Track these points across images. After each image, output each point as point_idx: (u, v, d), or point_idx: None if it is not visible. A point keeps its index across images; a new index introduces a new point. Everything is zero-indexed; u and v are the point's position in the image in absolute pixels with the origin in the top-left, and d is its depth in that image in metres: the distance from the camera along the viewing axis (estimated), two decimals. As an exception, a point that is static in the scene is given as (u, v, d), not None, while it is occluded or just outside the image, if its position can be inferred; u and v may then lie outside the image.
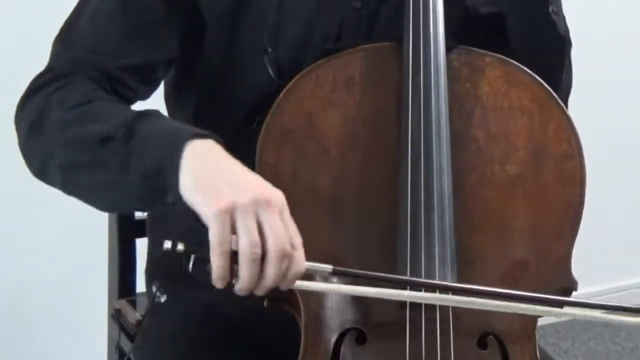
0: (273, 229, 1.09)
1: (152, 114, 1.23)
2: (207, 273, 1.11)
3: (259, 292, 1.12)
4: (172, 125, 1.23)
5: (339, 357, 1.26)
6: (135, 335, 1.66)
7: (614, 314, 1.27)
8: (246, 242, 1.09)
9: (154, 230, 1.59)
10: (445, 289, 1.24)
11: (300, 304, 1.26)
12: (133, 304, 1.79)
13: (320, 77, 1.30)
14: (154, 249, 1.58)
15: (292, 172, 1.27)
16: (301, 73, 1.30)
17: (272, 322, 1.33)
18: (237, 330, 1.43)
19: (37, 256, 2.44)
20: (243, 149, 1.20)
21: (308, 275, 1.17)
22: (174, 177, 1.13)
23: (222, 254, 1.09)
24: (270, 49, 1.37)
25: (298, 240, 1.12)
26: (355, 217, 1.28)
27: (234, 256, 1.10)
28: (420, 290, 1.23)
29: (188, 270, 1.12)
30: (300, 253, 1.12)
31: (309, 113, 1.29)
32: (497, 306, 1.23)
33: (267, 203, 1.10)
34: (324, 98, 1.30)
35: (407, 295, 1.22)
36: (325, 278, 1.21)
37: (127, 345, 1.72)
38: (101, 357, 1.86)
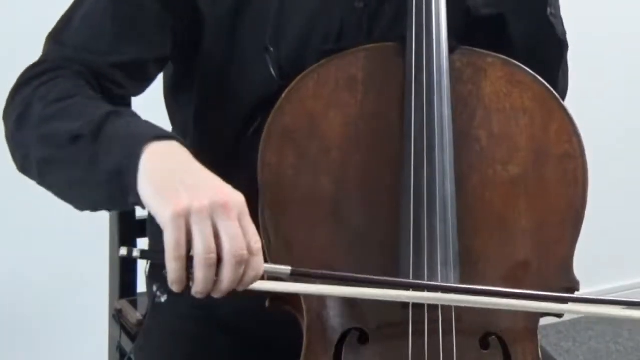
0: (229, 234, 1.08)
1: (123, 112, 1.22)
2: (164, 277, 1.10)
3: (216, 295, 1.11)
4: (138, 125, 1.21)
5: (341, 357, 1.26)
6: (136, 335, 1.66)
7: (614, 309, 1.27)
8: (201, 247, 1.07)
9: (155, 231, 1.59)
10: (443, 290, 1.23)
11: (302, 304, 1.26)
12: (134, 304, 1.79)
13: (322, 78, 1.30)
14: (156, 248, 1.58)
15: (293, 173, 1.27)
16: (303, 73, 1.30)
17: (274, 323, 1.33)
18: (238, 331, 1.43)
19: (38, 256, 2.44)
20: (243, 153, 1.19)
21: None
22: (132, 178, 1.13)
23: (177, 258, 1.08)
24: (271, 49, 1.37)
25: (257, 244, 1.11)
26: (357, 218, 1.28)
27: (190, 260, 1.08)
28: (423, 291, 1.23)
29: (145, 274, 1.12)
30: (258, 258, 1.11)
31: (310, 113, 1.29)
32: (499, 304, 1.23)
33: (225, 207, 1.08)
34: (326, 98, 1.30)
35: (412, 296, 1.22)
36: (293, 279, 1.19)
37: (128, 345, 1.72)
38: (102, 357, 1.86)
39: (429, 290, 1.23)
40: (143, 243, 1.70)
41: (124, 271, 1.80)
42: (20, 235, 2.41)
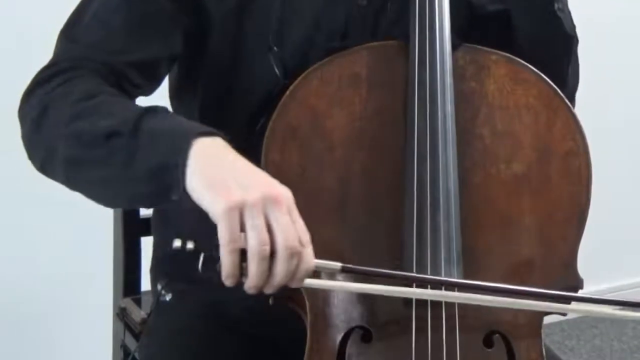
0: (282, 226, 1.09)
1: (159, 110, 1.22)
2: (217, 271, 1.10)
3: (269, 290, 1.12)
4: (179, 122, 1.22)
5: (344, 355, 1.26)
6: (140, 334, 1.66)
7: (619, 309, 1.27)
8: (255, 240, 1.08)
9: (159, 229, 1.59)
10: (453, 286, 1.24)
11: (306, 302, 1.26)
12: (138, 302, 1.79)
13: (325, 76, 1.30)
14: (159, 248, 1.58)
15: (298, 171, 1.27)
16: (307, 71, 1.30)
17: (278, 321, 1.33)
18: (243, 329, 1.43)
19: (42, 255, 2.44)
20: (248, 152, 1.19)
21: (315, 273, 1.17)
22: (180, 174, 1.13)
23: (232, 252, 1.09)
24: (275, 48, 1.37)
25: (306, 237, 1.12)
26: (361, 215, 1.28)
27: (243, 254, 1.09)
28: (427, 287, 1.23)
29: (198, 269, 1.12)
30: (309, 251, 1.12)
31: (314, 111, 1.29)
32: (502, 302, 1.23)
33: (276, 200, 1.10)
34: (329, 96, 1.30)
35: (417, 292, 1.22)
36: (332, 275, 1.21)
37: (132, 344, 1.72)
38: (106, 355, 1.86)
39: (446, 288, 1.23)
40: (147, 242, 1.71)
41: (128, 270, 1.80)
42: (23, 233, 2.42)
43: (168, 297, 1.48)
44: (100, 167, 1.20)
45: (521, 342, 1.30)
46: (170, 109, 1.51)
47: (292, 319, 1.30)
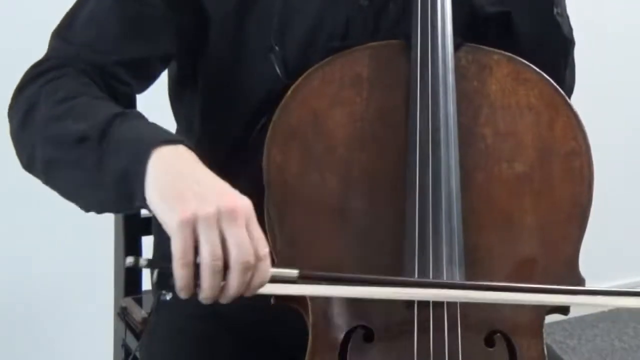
0: (236, 240, 1.08)
1: (130, 115, 1.21)
2: (171, 285, 1.09)
3: (223, 300, 1.11)
4: (146, 128, 1.20)
5: (346, 355, 1.26)
6: (141, 333, 1.66)
7: (620, 299, 1.27)
8: (207, 254, 1.07)
9: (160, 229, 1.58)
10: (446, 287, 1.23)
11: (308, 302, 1.26)
12: (139, 301, 1.79)
13: (327, 76, 1.30)
14: (160, 247, 1.58)
15: (299, 171, 1.27)
16: (308, 71, 1.30)
17: (279, 321, 1.33)
18: (243, 328, 1.43)
19: (43, 254, 2.44)
20: (249, 152, 1.19)
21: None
22: (140, 182, 1.12)
23: (184, 265, 1.07)
24: (276, 47, 1.37)
25: (264, 250, 1.10)
26: (362, 215, 1.28)
27: (197, 267, 1.08)
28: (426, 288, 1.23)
29: (154, 284, 1.12)
30: (265, 263, 1.10)
31: (315, 111, 1.29)
32: (504, 299, 1.22)
33: (232, 213, 1.08)
34: (331, 96, 1.30)
35: (417, 293, 1.22)
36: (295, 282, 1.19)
37: (133, 343, 1.72)
38: (107, 354, 1.86)
39: (431, 288, 1.23)
40: (148, 241, 1.71)
41: (129, 269, 1.79)
42: (25, 233, 2.42)
43: (169, 297, 1.47)
44: (72, 170, 1.21)
45: (523, 341, 1.30)
46: (170, 109, 1.51)
47: (293, 319, 1.29)
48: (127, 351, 1.73)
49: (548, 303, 1.28)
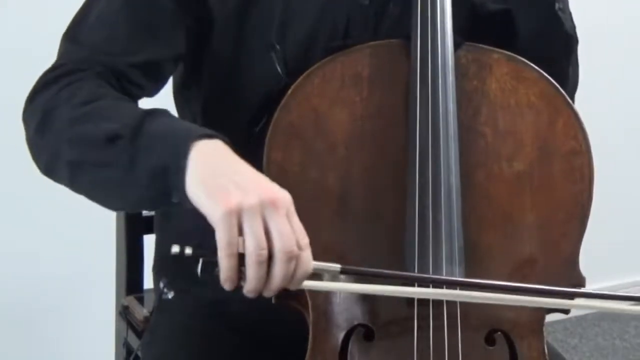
0: (280, 230, 1.09)
1: (161, 112, 1.22)
2: (216, 276, 1.10)
3: (268, 293, 1.12)
4: (179, 124, 1.22)
5: (346, 353, 1.26)
6: (143, 332, 1.66)
7: (620, 303, 1.27)
8: (253, 244, 1.08)
9: (162, 227, 1.59)
10: (453, 285, 1.23)
11: (308, 300, 1.27)
12: (141, 300, 1.79)
13: (327, 75, 1.30)
14: (162, 246, 1.58)
15: (299, 170, 1.27)
16: (309, 70, 1.30)
17: (280, 319, 1.33)
18: (245, 327, 1.43)
19: (44, 253, 2.44)
20: (249, 150, 1.19)
21: (316, 275, 1.17)
22: (180, 177, 1.13)
23: (230, 256, 1.08)
24: (277, 46, 1.37)
25: (305, 240, 1.12)
26: (362, 214, 1.28)
27: (241, 258, 1.09)
28: (429, 287, 1.23)
29: (197, 274, 1.12)
30: (307, 253, 1.12)
31: (316, 110, 1.29)
32: (503, 300, 1.23)
33: (274, 204, 1.09)
34: (331, 95, 1.30)
35: (417, 292, 1.22)
36: (334, 277, 1.21)
37: (134, 342, 1.72)
38: (109, 353, 1.86)
39: (448, 286, 1.23)
40: (149, 240, 1.71)
41: (131, 267, 1.80)
42: (26, 231, 2.42)
43: (170, 295, 1.48)
44: (103, 170, 1.21)
45: (523, 340, 1.30)
46: (174, 108, 1.52)
47: (294, 317, 1.30)
48: (129, 350, 1.73)
49: (549, 306, 1.28)
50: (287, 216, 1.10)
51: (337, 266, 1.16)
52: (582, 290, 1.32)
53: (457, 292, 1.23)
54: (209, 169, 1.13)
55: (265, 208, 1.09)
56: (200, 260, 1.12)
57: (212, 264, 1.10)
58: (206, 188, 1.11)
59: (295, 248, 1.10)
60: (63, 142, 1.23)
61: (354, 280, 1.24)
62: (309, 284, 1.16)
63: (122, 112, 1.22)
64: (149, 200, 1.21)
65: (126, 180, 1.19)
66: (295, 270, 1.11)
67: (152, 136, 1.18)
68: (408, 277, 1.23)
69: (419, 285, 1.22)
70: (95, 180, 1.22)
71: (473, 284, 1.23)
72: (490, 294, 1.22)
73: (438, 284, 1.23)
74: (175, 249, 1.12)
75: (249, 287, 1.10)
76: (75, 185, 1.25)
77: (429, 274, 1.24)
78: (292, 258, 1.10)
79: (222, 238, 1.08)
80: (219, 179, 1.11)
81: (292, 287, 1.13)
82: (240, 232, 1.09)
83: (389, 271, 1.19)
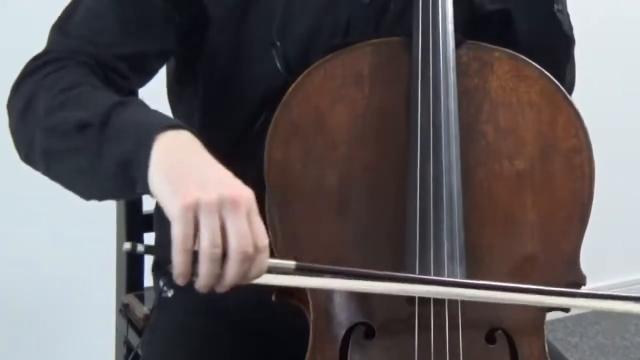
0: (236, 230, 1.07)
1: (132, 102, 1.21)
2: (169, 271, 1.09)
3: (220, 289, 1.10)
4: (148, 115, 1.20)
5: (347, 351, 1.26)
6: (143, 330, 1.66)
7: (622, 303, 1.27)
8: (207, 242, 1.06)
9: (161, 225, 1.59)
10: (448, 285, 1.23)
11: (309, 298, 1.26)
12: (141, 298, 1.79)
13: (328, 72, 1.30)
14: (162, 243, 1.58)
15: (300, 168, 1.27)
16: (309, 68, 1.30)
17: (280, 317, 1.33)
18: (245, 325, 1.43)
19: (44, 251, 2.44)
20: (249, 148, 1.19)
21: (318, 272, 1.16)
22: (143, 168, 1.12)
23: (183, 251, 1.07)
24: (278, 43, 1.37)
25: (263, 242, 1.09)
26: (363, 212, 1.28)
27: (195, 254, 1.08)
28: (413, 284, 1.22)
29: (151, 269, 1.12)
30: (263, 255, 1.10)
31: (317, 108, 1.29)
32: (505, 299, 1.22)
33: (234, 202, 1.07)
34: (332, 93, 1.30)
35: (419, 290, 1.22)
36: (291, 272, 1.18)
37: (135, 340, 1.73)
38: (109, 351, 1.86)
39: (432, 285, 1.23)
40: (150, 237, 1.71)
41: (131, 266, 1.80)
42: (26, 229, 2.42)
43: (170, 293, 1.48)
44: (73, 158, 1.20)
45: (524, 338, 1.30)
46: (168, 101, 1.51)
47: (294, 315, 1.30)
48: (129, 348, 1.73)
49: (549, 305, 1.28)
50: (248, 216, 1.08)
51: (291, 263, 1.14)
52: (582, 290, 1.31)
53: (458, 290, 1.23)
54: (171, 160, 1.11)
55: (224, 206, 1.07)
56: (153, 258, 1.11)
57: (165, 260, 1.09)
58: (166, 181, 1.09)
59: (250, 249, 1.08)
60: (39, 129, 1.23)
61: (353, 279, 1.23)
62: (312, 281, 1.15)
63: (96, 100, 1.21)
64: (114, 190, 1.20)
65: (94, 169, 1.18)
66: (248, 270, 1.09)
67: (119, 125, 1.16)
68: (374, 276, 1.20)
69: (418, 284, 1.22)
70: (67, 168, 1.22)
71: (472, 285, 1.22)
72: (490, 293, 1.22)
73: (428, 284, 1.22)
74: (127, 245, 1.11)
75: (201, 283, 1.09)
76: (51, 173, 1.25)
77: (430, 272, 1.24)
78: (247, 259, 1.08)
79: (177, 233, 1.06)
80: (180, 172, 1.10)
81: (244, 283, 1.11)
82: (197, 227, 1.07)
83: (349, 269, 1.18)
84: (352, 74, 1.30)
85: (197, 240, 1.08)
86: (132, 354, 1.64)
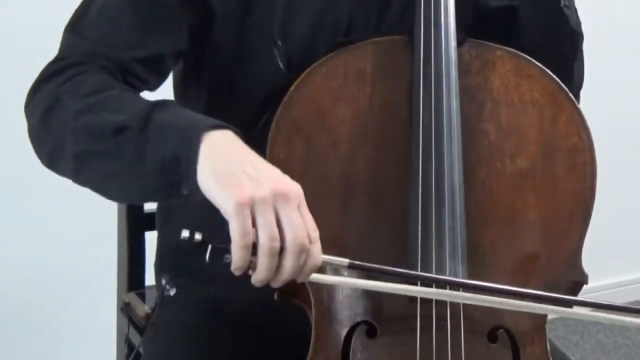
0: (291, 222, 1.09)
1: (169, 103, 1.22)
2: (225, 263, 1.10)
3: (276, 284, 1.12)
4: (189, 115, 1.21)
5: (349, 350, 1.26)
6: (145, 328, 1.66)
7: (623, 315, 1.26)
8: (265, 236, 1.08)
9: (164, 224, 1.59)
10: (458, 285, 1.23)
11: (311, 297, 1.26)
12: (142, 297, 1.79)
13: (330, 71, 1.30)
14: (164, 242, 1.58)
15: (302, 166, 1.27)
16: (312, 66, 1.30)
17: (282, 316, 1.33)
18: (247, 324, 1.43)
19: (46, 249, 2.44)
20: (252, 147, 1.19)
21: (321, 269, 1.17)
22: (191, 167, 1.13)
23: (244, 247, 1.08)
24: (280, 42, 1.37)
25: (315, 233, 1.12)
26: (365, 211, 1.28)
27: (253, 248, 1.09)
28: (432, 286, 1.22)
29: (205, 260, 1.12)
30: (317, 247, 1.12)
31: (319, 107, 1.29)
32: (508, 305, 1.22)
33: (286, 196, 1.09)
34: (334, 91, 1.30)
35: (421, 291, 1.22)
36: (338, 271, 1.21)
37: (136, 338, 1.72)
38: (110, 350, 1.86)
39: (451, 287, 1.23)
40: (151, 236, 1.71)
41: (132, 264, 1.80)
42: (28, 228, 2.42)
43: (172, 292, 1.47)
44: (110, 161, 1.20)
45: (526, 337, 1.30)
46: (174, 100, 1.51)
47: (296, 314, 1.30)
48: (130, 347, 1.73)
49: (550, 312, 1.28)
50: (299, 208, 1.10)
51: (345, 261, 1.16)
52: (584, 299, 1.31)
53: (460, 293, 1.22)
54: (221, 159, 1.13)
55: (277, 200, 1.09)
56: (209, 247, 1.12)
57: (221, 250, 1.11)
58: (218, 179, 1.11)
59: (306, 240, 1.10)
60: (68, 134, 1.22)
61: (358, 277, 1.23)
62: (315, 277, 1.16)
63: (130, 103, 1.22)
64: (157, 191, 1.20)
65: (134, 172, 1.18)
66: (305, 262, 1.11)
67: (161, 126, 1.17)
68: (414, 276, 1.22)
69: (422, 285, 1.22)
70: (102, 172, 1.22)
71: (479, 286, 1.22)
72: (493, 298, 1.21)
73: (442, 284, 1.23)
74: (185, 233, 1.12)
75: (259, 277, 1.11)
76: (81, 177, 1.25)
77: (432, 270, 1.24)
78: (304, 251, 1.10)
79: (236, 229, 1.08)
80: (230, 170, 1.11)
81: (301, 279, 1.13)
82: (253, 223, 1.09)
83: (396, 269, 1.19)
84: (354, 72, 1.30)
85: (254, 235, 1.09)
86: (134, 352, 1.63)
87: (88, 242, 2.42)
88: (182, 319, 1.48)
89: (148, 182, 1.18)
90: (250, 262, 1.10)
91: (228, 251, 1.10)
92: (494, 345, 1.29)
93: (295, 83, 1.29)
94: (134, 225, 1.79)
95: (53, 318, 2.51)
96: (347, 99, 1.29)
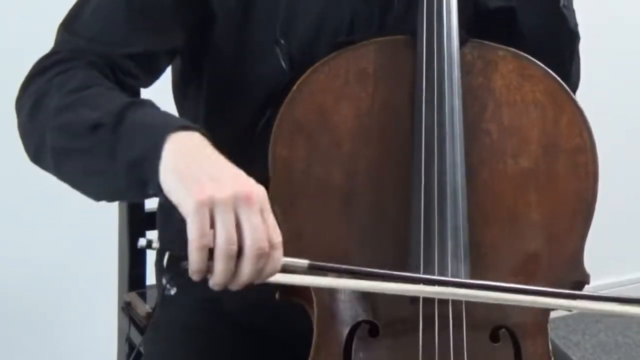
0: (251, 226, 1.07)
1: (144, 103, 1.21)
2: (184, 268, 1.09)
3: (234, 287, 1.11)
4: (160, 115, 1.20)
5: (351, 349, 1.26)
6: (145, 328, 1.66)
7: (625, 306, 1.26)
8: (222, 239, 1.06)
9: (164, 223, 1.59)
10: (455, 285, 1.23)
11: (313, 296, 1.26)
12: (143, 296, 1.79)
13: (333, 70, 1.30)
14: (164, 242, 1.58)
15: (304, 166, 1.27)
16: (314, 66, 1.30)
17: (284, 315, 1.33)
18: (248, 323, 1.43)
19: (47, 249, 2.44)
20: (253, 146, 1.19)
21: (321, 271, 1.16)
22: (154, 167, 1.12)
23: (200, 248, 1.07)
24: (282, 41, 1.37)
25: (277, 239, 1.10)
26: (367, 211, 1.28)
27: (210, 251, 1.07)
28: (433, 285, 1.22)
29: (163, 267, 1.12)
30: (278, 252, 1.10)
31: (321, 106, 1.29)
32: (510, 300, 1.22)
33: (248, 199, 1.07)
34: (336, 91, 1.30)
35: (421, 290, 1.22)
36: (304, 272, 1.18)
37: (137, 338, 1.72)
38: (111, 349, 1.86)
39: (440, 285, 1.22)
40: (152, 235, 1.70)
41: (133, 263, 1.80)
42: (29, 227, 2.42)
43: (173, 291, 1.47)
44: (85, 158, 1.20)
45: (528, 336, 1.30)
46: (174, 100, 1.51)
47: (297, 313, 1.30)
48: (131, 346, 1.73)
49: (554, 307, 1.28)
50: (261, 212, 1.08)
51: (304, 262, 1.14)
52: (585, 292, 1.31)
53: (462, 291, 1.22)
54: (184, 159, 1.11)
55: (238, 202, 1.07)
56: (167, 254, 1.11)
57: (178, 258, 1.09)
58: (179, 179, 1.09)
59: (266, 245, 1.08)
60: (50, 129, 1.22)
61: (359, 278, 1.23)
62: (315, 280, 1.15)
63: (108, 101, 1.21)
64: (125, 191, 1.20)
65: (106, 170, 1.18)
66: (263, 267, 1.09)
67: (131, 126, 1.16)
68: (380, 275, 1.19)
69: (424, 284, 1.22)
70: (78, 169, 1.22)
71: (477, 285, 1.22)
72: (494, 294, 1.22)
73: (430, 283, 1.22)
74: (142, 242, 1.11)
75: (216, 280, 1.09)
76: (60, 172, 1.25)
77: (434, 270, 1.24)
78: (262, 255, 1.08)
79: (193, 230, 1.06)
80: (193, 170, 1.10)
81: (258, 282, 1.11)
82: (212, 224, 1.07)
83: (360, 268, 1.17)
84: (357, 72, 1.30)
85: (212, 238, 1.07)
86: (135, 352, 1.63)
87: (89, 242, 2.41)
88: (182, 318, 1.48)
89: (117, 181, 1.18)
90: (208, 265, 1.08)
91: (186, 258, 1.08)
92: (496, 344, 1.29)
93: (298, 82, 1.29)
94: (135, 225, 1.79)
95: (53, 318, 2.51)
96: (349, 98, 1.29)
